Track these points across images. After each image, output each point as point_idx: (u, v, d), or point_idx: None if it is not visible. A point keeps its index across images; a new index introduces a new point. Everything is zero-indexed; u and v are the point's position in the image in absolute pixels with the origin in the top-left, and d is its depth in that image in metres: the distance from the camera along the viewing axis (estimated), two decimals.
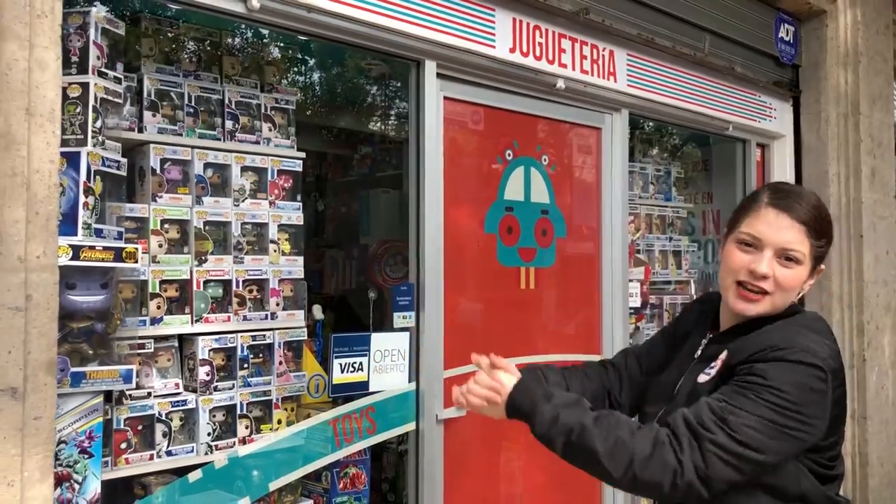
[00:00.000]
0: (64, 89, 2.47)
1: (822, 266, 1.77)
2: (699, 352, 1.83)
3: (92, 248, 2.40)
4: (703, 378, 1.74)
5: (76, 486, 2.41)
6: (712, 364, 1.74)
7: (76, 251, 2.34)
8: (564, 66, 3.78)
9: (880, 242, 5.28)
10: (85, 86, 2.47)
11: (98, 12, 2.52)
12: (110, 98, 2.57)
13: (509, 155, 3.74)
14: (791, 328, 1.67)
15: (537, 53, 3.65)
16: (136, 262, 2.54)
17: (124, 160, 2.61)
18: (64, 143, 2.45)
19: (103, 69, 2.54)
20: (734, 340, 1.72)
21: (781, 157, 5.30)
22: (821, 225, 1.71)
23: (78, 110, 2.47)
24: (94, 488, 2.45)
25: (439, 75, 3.34)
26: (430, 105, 3.29)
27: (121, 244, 2.51)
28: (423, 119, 3.28)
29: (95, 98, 2.49)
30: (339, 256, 5.92)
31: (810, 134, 5.24)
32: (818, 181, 5.12)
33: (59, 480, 2.38)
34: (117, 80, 2.62)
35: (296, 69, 6.50)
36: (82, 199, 2.40)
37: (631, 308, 4.32)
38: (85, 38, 2.49)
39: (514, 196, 3.75)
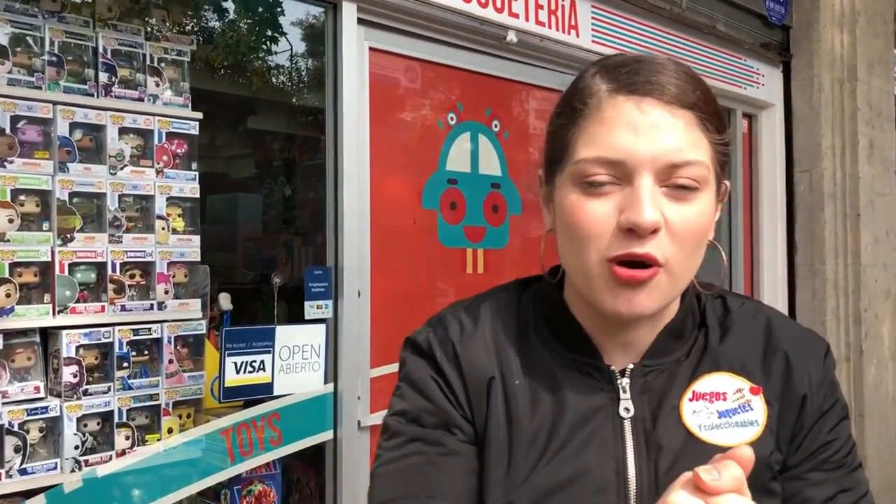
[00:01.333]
0: None
1: (726, 182, 0.99)
2: (628, 405, 0.96)
3: None
4: (728, 438, 0.95)
5: None
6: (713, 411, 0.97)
7: None
8: (516, 15, 3.27)
9: (879, 222, 4.79)
10: None
11: None
12: None
13: (452, 119, 3.23)
14: (776, 314, 1.06)
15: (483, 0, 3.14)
16: None
17: None
18: None
19: None
20: (710, 358, 1.00)
21: (770, 128, 4.80)
22: (713, 104, 0.93)
23: None
24: None
25: (361, 21, 2.83)
26: (349, 55, 2.79)
27: None
28: (341, 72, 2.78)
29: None
30: (296, 243, 5.58)
31: (802, 102, 4.74)
32: (811, 154, 4.64)
33: None
34: None
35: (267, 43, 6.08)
36: None
37: None
38: None
39: (459, 167, 3.24)
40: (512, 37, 3.26)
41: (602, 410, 0.95)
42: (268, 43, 6.05)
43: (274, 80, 5.34)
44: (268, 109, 7.02)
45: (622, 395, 0.95)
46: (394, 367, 2.95)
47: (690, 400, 0.96)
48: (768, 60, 4.73)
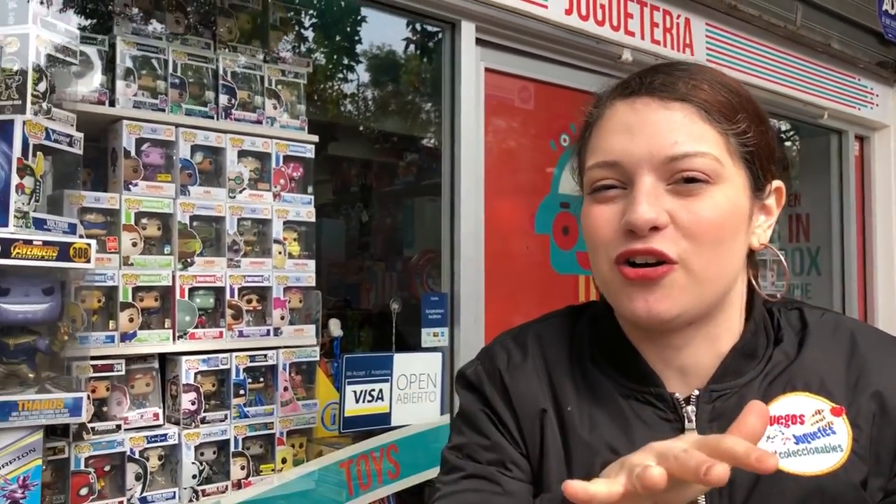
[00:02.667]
0: None
1: (779, 183, 0.93)
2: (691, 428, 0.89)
3: (28, 242, 1.87)
4: (804, 466, 0.86)
5: None
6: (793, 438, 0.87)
7: (6, 246, 1.83)
8: (632, 34, 3.17)
9: None
10: (24, 38, 1.96)
11: None
12: (62, 57, 2.05)
13: (565, 141, 3.14)
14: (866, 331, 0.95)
15: (599, 17, 3.05)
16: (89, 261, 2.00)
17: (79, 134, 2.09)
18: None
19: (51, 19, 2.03)
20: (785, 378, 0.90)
21: (884, 150, 4.58)
22: (725, 94, 0.88)
23: (15, 69, 1.95)
24: None
25: (479, 41, 2.77)
26: (467, 77, 2.72)
27: (69, 239, 1.98)
28: (459, 94, 2.71)
29: (38, 54, 1.97)
30: (380, 269, 5.59)
31: None
32: None
33: None
34: (73, 36, 2.10)
35: (324, 50, 6.11)
36: (15, 179, 1.88)
37: None
38: None
39: (572, 190, 3.12)
40: (627, 55, 3.15)
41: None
42: (345, 70, 6.06)
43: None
44: (346, 137, 7.07)
45: (688, 426, 0.89)
46: None
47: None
48: (883, 80, 4.52)
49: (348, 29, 4.70)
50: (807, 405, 0.88)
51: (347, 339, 3.92)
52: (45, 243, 1.91)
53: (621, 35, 3.13)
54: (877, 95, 4.49)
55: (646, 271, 0.84)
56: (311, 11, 3.12)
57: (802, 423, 0.87)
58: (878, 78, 4.48)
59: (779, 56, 3.88)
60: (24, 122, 1.91)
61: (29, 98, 1.95)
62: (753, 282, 0.95)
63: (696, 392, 0.90)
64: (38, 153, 1.95)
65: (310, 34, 4.38)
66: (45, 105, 2.00)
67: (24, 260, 1.87)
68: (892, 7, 4.40)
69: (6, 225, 1.87)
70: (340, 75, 5.94)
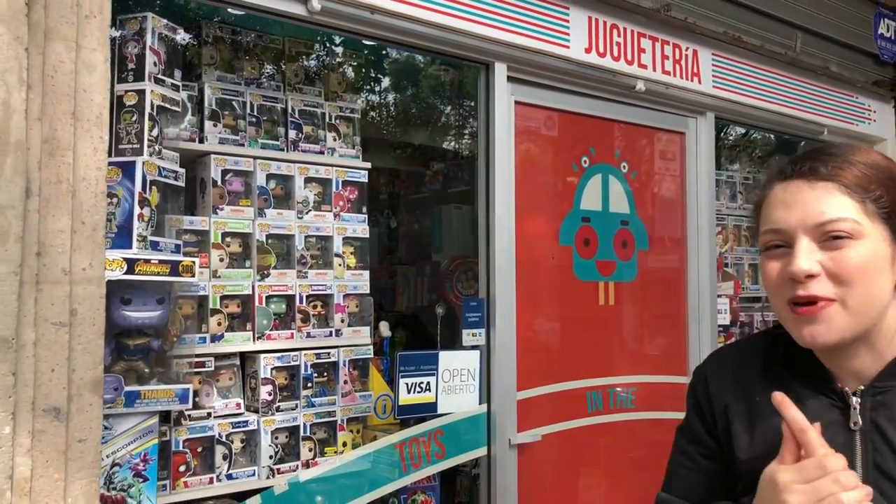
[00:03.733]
0: (120, 97, 2.41)
1: None
2: (857, 419, 1.17)
3: (147, 261, 2.30)
4: None
5: None
6: None
7: (131, 265, 2.25)
8: (644, 66, 3.55)
9: None
10: (141, 93, 2.39)
11: (155, 18, 2.43)
12: (167, 106, 2.47)
13: (585, 162, 3.52)
14: None
15: (615, 54, 3.43)
16: (193, 276, 2.43)
17: (182, 170, 2.52)
18: (120, 152, 2.38)
19: (160, 76, 2.46)
20: None
21: None
22: (862, 169, 1.14)
23: (134, 118, 2.39)
24: None
25: (510, 78, 3.17)
26: (500, 109, 3.11)
27: (178, 257, 2.40)
28: (493, 124, 3.11)
29: (152, 106, 2.40)
30: (411, 273, 5.86)
31: None
32: None
33: None
34: (175, 88, 2.53)
35: (368, 86, 6.51)
36: (137, 210, 2.31)
37: (720, 326, 4.02)
38: (142, 44, 2.41)
39: (592, 206, 3.52)
40: (641, 86, 3.53)
41: (835, 424, 1.16)
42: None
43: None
44: (374, 147, 7.42)
45: (853, 412, 1.16)
46: (537, 391, 3.22)
47: None
48: (880, 97, 4.85)
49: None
50: None
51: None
52: (161, 261, 2.33)
53: (635, 68, 3.51)
54: (874, 112, 4.82)
55: (808, 308, 1.12)
56: (364, 52, 3.50)
57: None
58: (875, 95, 4.82)
59: (780, 79, 4.24)
60: (143, 163, 2.34)
61: (146, 142, 2.38)
62: None
63: (862, 387, 1.16)
64: (153, 187, 2.38)
65: (358, 71, 4.77)
66: (157, 147, 2.42)
67: (144, 276, 2.29)
68: (888, 31, 4.75)
69: (130, 247, 2.29)
70: (373, 96, 6.32)
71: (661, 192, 3.86)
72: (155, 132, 2.42)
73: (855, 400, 1.17)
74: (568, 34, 3.27)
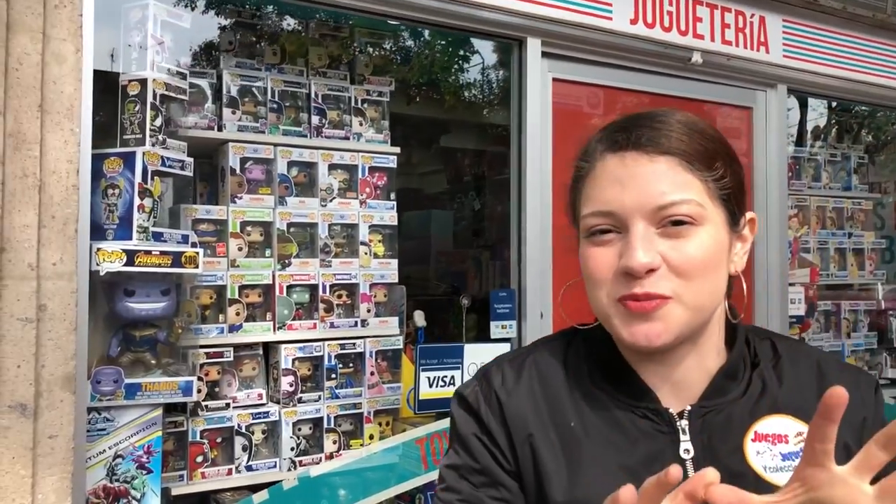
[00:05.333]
0: (124, 87, 2.39)
1: (751, 214, 1.03)
2: (687, 447, 0.97)
3: (147, 252, 2.27)
4: None
5: (134, 503, 2.30)
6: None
7: (130, 256, 2.23)
8: (701, 36, 3.27)
9: None
10: (143, 82, 2.36)
11: (157, 5, 2.40)
12: (172, 95, 2.44)
13: None
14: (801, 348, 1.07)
15: (666, 24, 3.17)
16: (198, 266, 2.39)
17: (190, 160, 2.48)
18: (124, 142, 2.37)
19: (164, 64, 2.42)
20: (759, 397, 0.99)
21: None
22: (703, 142, 0.96)
23: (137, 108, 2.36)
24: None
25: (545, 54, 2.97)
26: (532, 88, 2.93)
27: (181, 248, 2.37)
28: (525, 104, 2.93)
29: (154, 95, 2.37)
30: (484, 258, 5.77)
31: None
32: None
33: (117, 496, 2.28)
34: (182, 76, 2.49)
35: (456, 66, 6.46)
36: (137, 201, 2.29)
37: (792, 317, 3.70)
38: (143, 32, 2.38)
39: None
40: (697, 58, 3.26)
41: (662, 454, 0.95)
42: (460, 62, 6.37)
43: (465, 98, 5.60)
44: (459, 128, 7.35)
45: (682, 437, 0.96)
46: None
47: (753, 441, 0.95)
48: None
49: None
50: (790, 427, 0.96)
51: (454, 325, 4.18)
52: (162, 253, 2.31)
53: (690, 39, 3.24)
54: None
55: (643, 304, 0.92)
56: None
57: (787, 442, 0.95)
58: None
59: (866, 45, 3.82)
60: (143, 153, 2.31)
61: (147, 132, 2.35)
62: (726, 306, 1.02)
63: (689, 407, 0.97)
64: (155, 178, 2.35)
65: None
66: (160, 137, 2.39)
67: (144, 267, 2.27)
68: None
69: (130, 238, 2.27)
70: (452, 78, 6.26)
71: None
72: (158, 122, 2.38)
73: (682, 423, 0.97)
74: (610, 5, 3.03)
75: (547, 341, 1.10)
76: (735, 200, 0.98)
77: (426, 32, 5.23)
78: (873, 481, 0.72)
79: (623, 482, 0.73)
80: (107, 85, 2.36)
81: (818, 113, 5.30)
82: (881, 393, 1.04)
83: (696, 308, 0.94)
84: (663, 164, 0.94)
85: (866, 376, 1.05)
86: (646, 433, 0.97)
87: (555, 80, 3.04)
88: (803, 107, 4.99)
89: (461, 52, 6.44)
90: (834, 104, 4.91)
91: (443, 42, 6.11)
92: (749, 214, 1.02)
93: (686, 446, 0.96)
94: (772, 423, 0.96)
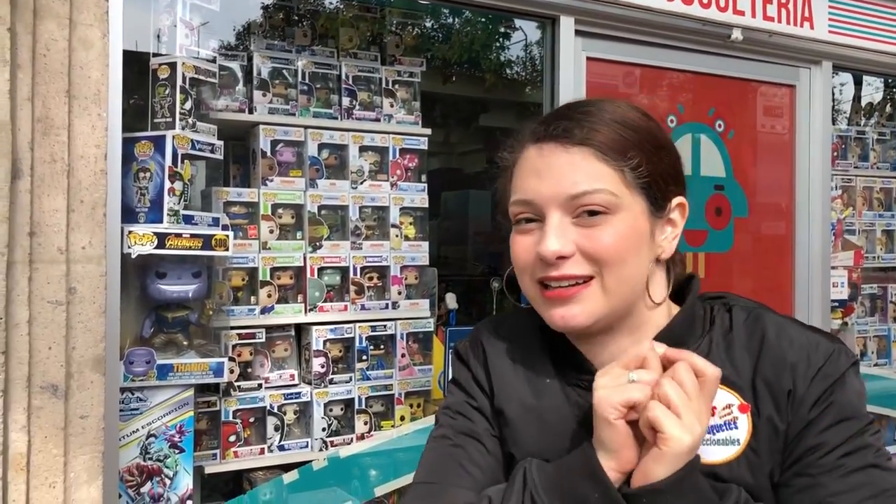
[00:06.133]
0: (154, 71, 2.41)
1: (680, 199, 1.03)
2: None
3: (178, 235, 2.30)
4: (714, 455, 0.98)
5: (167, 481, 2.35)
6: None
7: (161, 239, 2.26)
8: (741, 12, 3.17)
9: None
10: (173, 66, 2.37)
11: None
12: (202, 78, 2.45)
13: (672, 122, 3.21)
14: (765, 314, 1.04)
15: (704, 0, 3.08)
16: (228, 249, 2.41)
17: (219, 143, 2.49)
18: (154, 126, 2.39)
19: (193, 47, 2.43)
20: None
21: None
22: (619, 132, 0.99)
23: (167, 92, 2.38)
24: (185, 484, 2.37)
25: (579, 33, 2.91)
26: (566, 68, 2.87)
27: (211, 231, 2.39)
28: (557, 85, 2.88)
29: (184, 78, 2.38)
30: None
31: None
32: None
33: (150, 474, 2.33)
34: (212, 59, 2.50)
35: (497, 45, 6.41)
36: (167, 184, 2.31)
37: (835, 301, 3.60)
38: (173, 15, 2.39)
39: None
40: (737, 34, 3.16)
41: (578, 409, 1.03)
42: (500, 40, 6.32)
43: (506, 76, 5.56)
44: (499, 107, 7.31)
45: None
46: None
47: None
48: None
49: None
50: (721, 398, 0.97)
51: (490, 305, 4.18)
52: (192, 236, 2.33)
53: (729, 15, 3.14)
54: None
55: (559, 292, 0.98)
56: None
57: (713, 414, 0.96)
58: None
59: None
60: (173, 137, 2.33)
61: (177, 115, 2.37)
62: (652, 287, 1.04)
63: None
64: (185, 161, 2.37)
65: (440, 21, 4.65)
66: (190, 120, 2.41)
67: (175, 250, 2.30)
68: None
69: (161, 221, 2.30)
70: (492, 56, 6.22)
71: (765, 153, 3.47)
72: (188, 105, 2.40)
73: None
74: None
75: (531, 309, 1.14)
76: (657, 188, 1.00)
77: (466, 11, 5.19)
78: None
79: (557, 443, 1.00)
80: (141, 68, 2.39)
81: (874, 88, 5.12)
82: (840, 359, 0.98)
83: (613, 291, 0.99)
84: (577, 154, 0.98)
85: (824, 344, 0.99)
86: (581, 399, 1.04)
87: (589, 59, 2.98)
88: (857, 83, 4.83)
89: (501, 30, 6.40)
90: (890, 80, 4.73)
91: (482, 20, 6.06)
92: (677, 200, 1.04)
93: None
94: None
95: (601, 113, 1.01)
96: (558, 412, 1.05)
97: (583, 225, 0.97)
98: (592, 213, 0.97)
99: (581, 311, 0.98)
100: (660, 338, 1.01)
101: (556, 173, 0.98)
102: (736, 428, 0.97)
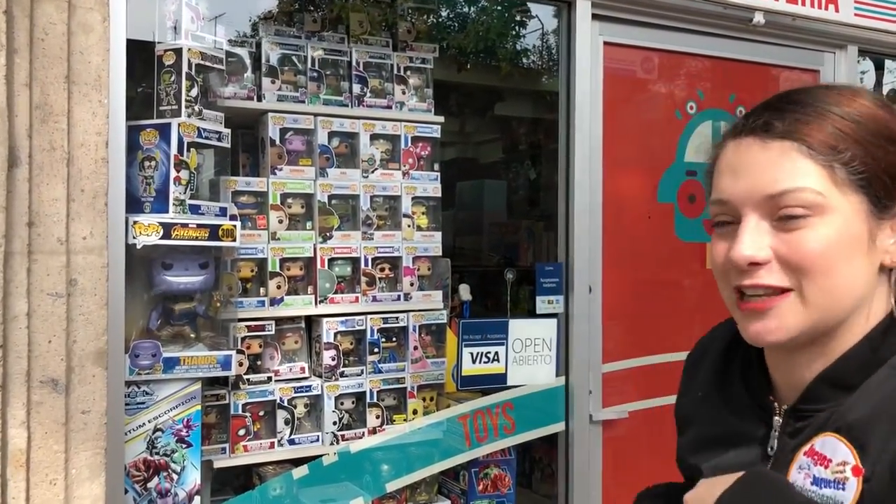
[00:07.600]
0: (160, 57, 2.35)
1: None
2: (773, 443, 0.95)
3: (184, 225, 2.25)
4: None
5: (174, 476, 2.30)
6: (817, 470, 0.89)
7: (167, 229, 2.21)
8: None
9: None
10: (178, 52, 2.32)
11: None
12: (208, 64, 2.39)
13: (692, 108, 3.13)
14: None
15: None
16: (235, 240, 2.36)
17: (227, 131, 2.44)
18: (160, 114, 2.34)
19: (200, 33, 2.38)
20: (835, 414, 0.89)
21: None
22: (831, 122, 0.88)
23: (172, 79, 2.32)
24: (193, 479, 2.33)
25: (595, 17, 2.83)
26: (582, 53, 2.80)
27: (218, 221, 2.34)
28: (573, 70, 2.80)
29: (190, 65, 2.33)
30: (537, 229, 5.65)
31: None
32: None
33: (157, 469, 2.29)
34: (218, 45, 2.44)
35: (513, 32, 6.32)
36: (173, 173, 2.26)
37: None
38: (178, 1, 2.34)
39: (698, 157, 3.13)
40: (759, 18, 3.07)
41: (756, 444, 0.98)
42: (516, 28, 6.23)
43: (522, 64, 5.47)
44: (515, 96, 7.21)
45: (772, 434, 0.96)
46: (626, 364, 2.95)
47: (805, 454, 0.90)
48: None
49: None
50: (839, 451, 0.87)
51: (505, 297, 4.12)
52: (199, 226, 2.28)
53: None
54: None
55: (754, 304, 0.90)
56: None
57: (827, 467, 0.87)
58: None
59: None
60: (178, 125, 2.27)
61: (183, 103, 2.31)
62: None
63: (786, 407, 0.95)
64: (191, 150, 2.32)
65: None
66: (196, 108, 2.36)
67: (181, 240, 2.25)
68: None
69: (167, 211, 2.25)
70: (508, 44, 6.14)
71: None
72: (194, 92, 2.34)
73: (777, 420, 0.95)
74: None
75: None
76: (879, 184, 0.89)
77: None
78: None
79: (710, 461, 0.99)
80: (147, 55, 2.34)
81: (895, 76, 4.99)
82: None
83: (820, 307, 0.88)
84: (776, 149, 0.89)
85: None
86: (750, 422, 0.99)
87: (606, 43, 2.90)
88: (879, 69, 4.71)
89: (517, 18, 6.30)
90: None
91: (498, 7, 5.97)
92: None
93: (772, 443, 0.95)
94: (827, 442, 0.89)
95: (814, 101, 0.91)
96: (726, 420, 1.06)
97: (782, 229, 0.88)
98: (790, 217, 0.88)
99: (778, 327, 0.89)
100: (820, 378, 0.92)
101: (751, 171, 0.90)
102: (843, 489, 0.86)
